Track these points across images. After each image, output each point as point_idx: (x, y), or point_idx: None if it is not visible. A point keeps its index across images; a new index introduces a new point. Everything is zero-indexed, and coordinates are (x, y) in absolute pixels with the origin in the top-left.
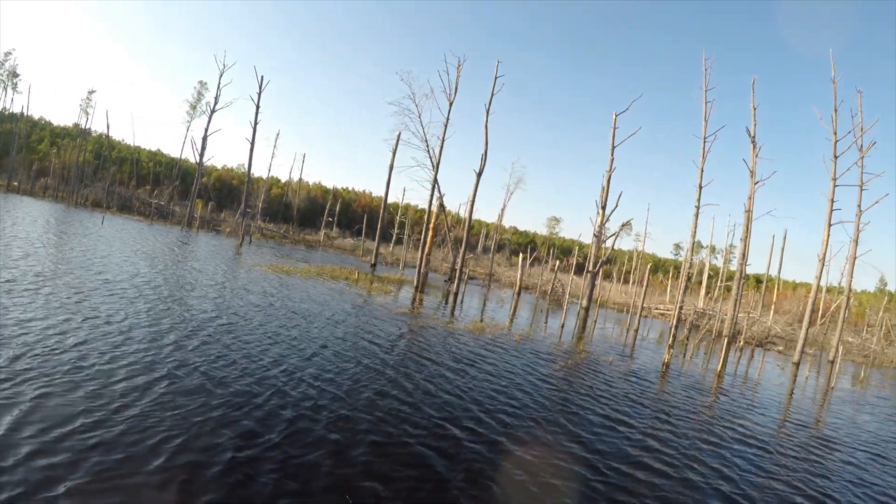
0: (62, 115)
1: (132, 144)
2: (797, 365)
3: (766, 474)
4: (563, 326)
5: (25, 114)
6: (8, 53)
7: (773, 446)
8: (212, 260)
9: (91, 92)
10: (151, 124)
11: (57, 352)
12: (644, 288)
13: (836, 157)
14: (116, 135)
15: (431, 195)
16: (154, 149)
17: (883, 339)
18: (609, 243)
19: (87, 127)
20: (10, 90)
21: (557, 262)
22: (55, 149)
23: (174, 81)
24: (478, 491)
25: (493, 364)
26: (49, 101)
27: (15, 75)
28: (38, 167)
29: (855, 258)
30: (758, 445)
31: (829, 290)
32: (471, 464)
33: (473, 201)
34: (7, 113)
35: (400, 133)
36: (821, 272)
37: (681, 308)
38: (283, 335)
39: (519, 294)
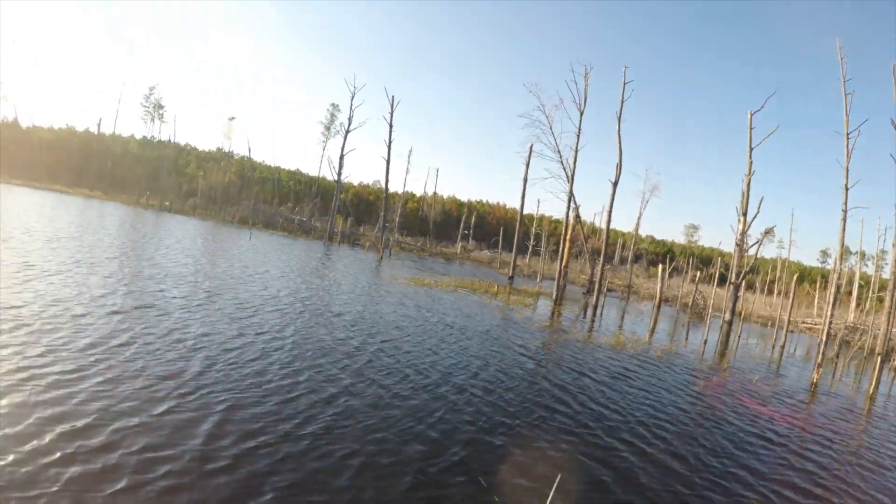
0: (206, 141)
1: (272, 165)
2: None
3: None
4: (705, 342)
5: (172, 140)
6: (152, 88)
7: None
8: (360, 274)
9: (231, 118)
10: (290, 145)
11: (237, 366)
12: (791, 300)
13: None
14: (257, 157)
15: (568, 206)
16: (293, 168)
17: None
18: (751, 252)
19: (230, 150)
20: (157, 120)
21: (698, 273)
22: (202, 171)
23: (310, 102)
24: None
25: (641, 379)
26: (194, 128)
27: (160, 107)
28: (187, 188)
29: None
30: None
31: None
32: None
33: (611, 211)
34: (156, 141)
35: (532, 145)
36: None
37: (830, 322)
38: (445, 349)
39: (659, 307)
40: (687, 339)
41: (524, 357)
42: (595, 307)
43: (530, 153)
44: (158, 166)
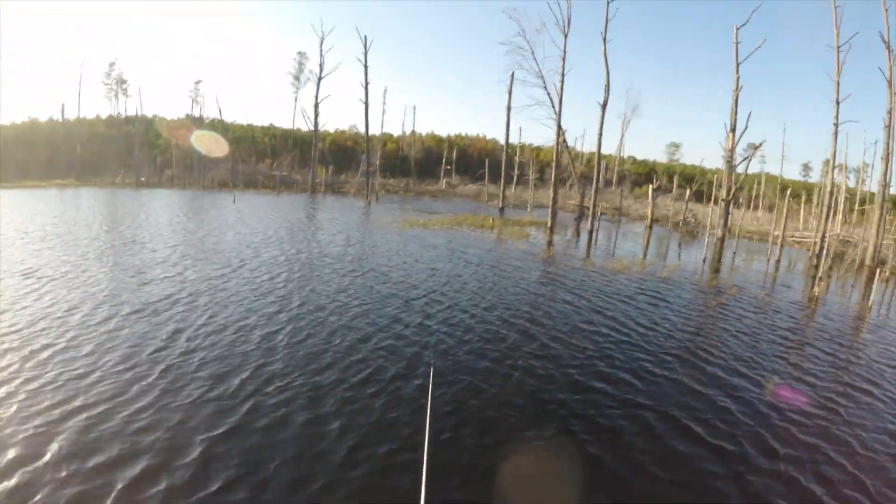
0: (175, 109)
1: (245, 123)
2: None
3: None
4: (704, 260)
5: (140, 114)
6: (112, 64)
7: None
8: (357, 224)
9: (198, 82)
10: (261, 101)
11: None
12: (784, 216)
13: None
14: (228, 117)
15: (558, 133)
16: (266, 124)
17: None
18: (741, 168)
19: (201, 115)
20: (121, 96)
21: (688, 192)
22: (174, 140)
23: (278, 54)
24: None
25: (650, 300)
26: (161, 97)
27: (123, 82)
28: (162, 160)
29: None
30: None
31: None
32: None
33: (601, 134)
34: (123, 118)
35: (514, 73)
36: None
37: (823, 236)
38: (481, 286)
39: (651, 227)
40: (680, 259)
41: (554, 285)
42: (591, 232)
43: (512, 81)
44: (129, 143)
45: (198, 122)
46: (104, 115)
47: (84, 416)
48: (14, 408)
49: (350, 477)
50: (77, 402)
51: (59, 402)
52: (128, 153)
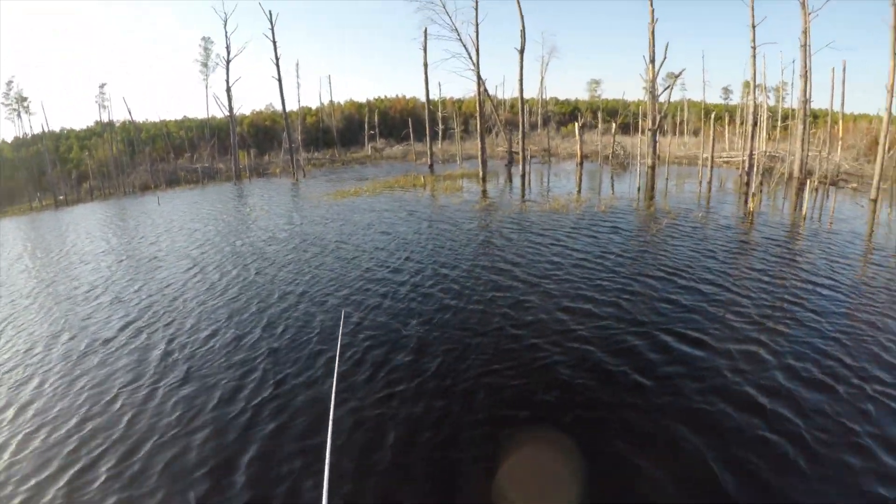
0: (82, 118)
1: (157, 121)
2: (875, 202)
3: None
4: (638, 189)
5: (47, 130)
6: (10, 82)
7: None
8: (288, 203)
9: (102, 85)
10: (171, 94)
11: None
12: (710, 139)
13: None
14: (139, 116)
15: (479, 83)
16: (180, 118)
17: None
18: (663, 98)
19: (110, 119)
20: (24, 115)
21: (613, 125)
22: (86, 151)
23: (181, 44)
24: None
25: (599, 234)
26: (66, 109)
27: (23, 99)
28: (77, 174)
29: None
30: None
31: (892, 121)
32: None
33: (521, 80)
34: (30, 137)
35: (426, 28)
36: (890, 103)
37: (751, 154)
38: (420, 248)
39: (581, 164)
40: (613, 190)
41: (496, 235)
42: (523, 176)
43: (426, 37)
44: (41, 162)
45: (108, 127)
46: (9, 139)
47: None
48: None
49: None
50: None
51: None
52: (41, 173)
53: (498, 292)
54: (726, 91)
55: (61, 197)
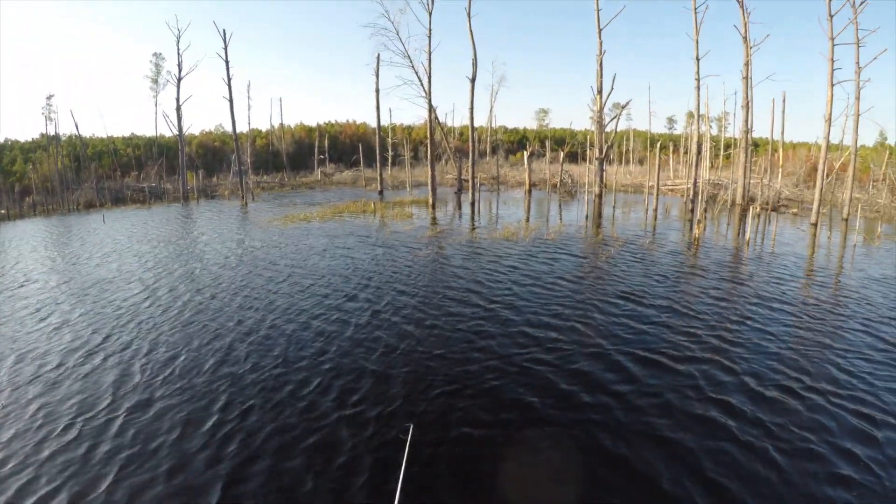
0: (27, 130)
1: (105, 136)
2: (815, 225)
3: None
4: (587, 217)
5: None
6: None
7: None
8: (238, 227)
9: (49, 97)
10: (118, 110)
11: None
12: (657, 168)
13: (831, 15)
14: (86, 131)
15: (430, 110)
16: (128, 134)
17: (890, 193)
18: (610, 127)
19: (56, 133)
20: None
21: (561, 154)
22: (30, 164)
23: (131, 58)
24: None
25: (550, 261)
26: (9, 119)
27: None
28: (20, 188)
29: (859, 115)
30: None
31: (830, 149)
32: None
33: (472, 108)
34: None
35: (379, 54)
36: (828, 132)
37: (695, 182)
38: (374, 276)
39: (530, 192)
40: (561, 219)
41: (446, 265)
42: (473, 203)
43: (378, 63)
44: None
45: (54, 140)
46: None
47: None
48: None
49: None
50: None
51: None
52: None
53: (455, 318)
54: (671, 121)
55: (3, 211)
